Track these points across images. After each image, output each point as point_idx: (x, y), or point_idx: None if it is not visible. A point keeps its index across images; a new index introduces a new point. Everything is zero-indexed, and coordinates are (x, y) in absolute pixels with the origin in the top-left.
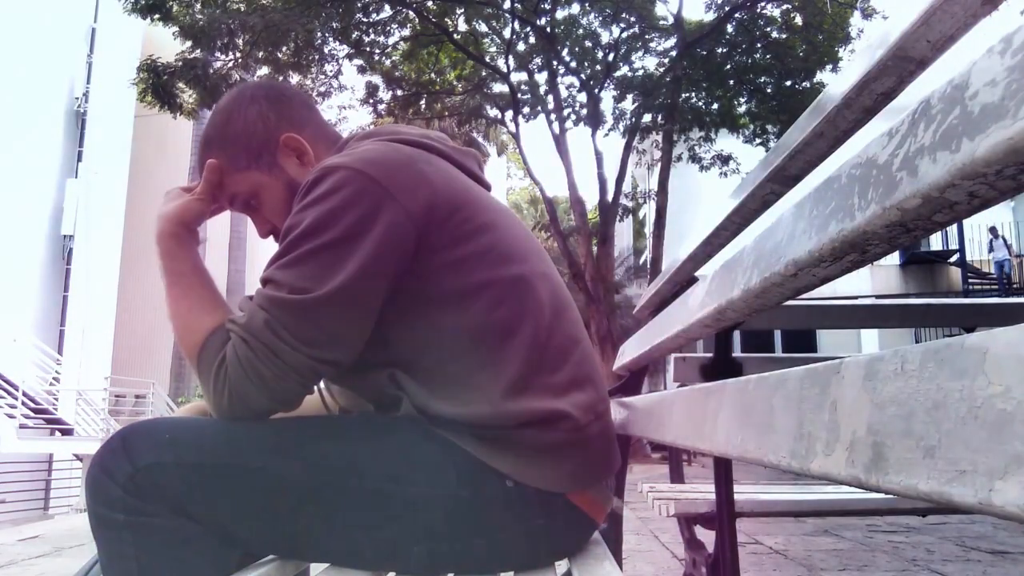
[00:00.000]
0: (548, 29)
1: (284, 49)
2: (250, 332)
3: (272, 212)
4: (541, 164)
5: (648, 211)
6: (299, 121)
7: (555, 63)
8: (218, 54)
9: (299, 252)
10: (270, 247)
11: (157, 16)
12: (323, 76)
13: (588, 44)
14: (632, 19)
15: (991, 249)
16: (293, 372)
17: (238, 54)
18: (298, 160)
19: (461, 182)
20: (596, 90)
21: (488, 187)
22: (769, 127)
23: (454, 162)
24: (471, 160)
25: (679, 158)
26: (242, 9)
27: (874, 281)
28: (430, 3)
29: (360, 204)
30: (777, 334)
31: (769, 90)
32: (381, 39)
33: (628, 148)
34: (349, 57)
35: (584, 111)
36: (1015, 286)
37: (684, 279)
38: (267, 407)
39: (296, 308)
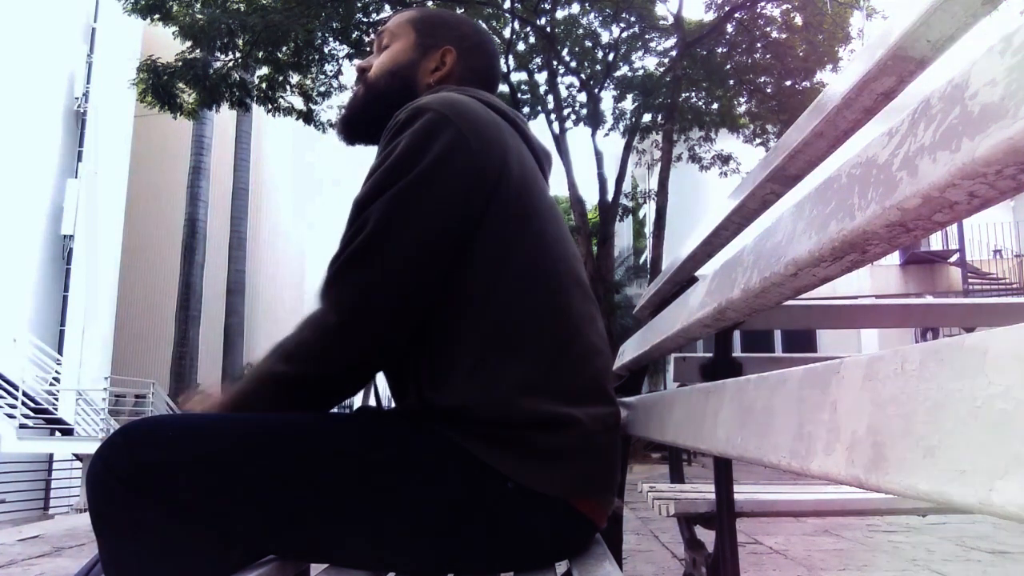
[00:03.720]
0: (548, 29)
1: (284, 49)
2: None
3: (385, 58)
4: None
5: (648, 211)
6: (471, 60)
7: (555, 63)
8: (218, 54)
9: (386, 189)
10: (271, 249)
11: (157, 16)
12: (323, 76)
13: (588, 44)
14: (632, 19)
15: None
16: (338, 303)
17: (238, 54)
18: (433, 67)
19: (532, 164)
20: (596, 90)
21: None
22: (769, 127)
23: (532, 149)
24: (544, 158)
25: (679, 158)
26: (242, 9)
27: (874, 281)
28: (430, 3)
29: (429, 135)
30: (777, 334)
31: (769, 90)
32: None
33: (628, 148)
34: (349, 57)
35: (584, 111)
36: (1014, 286)
37: (684, 279)
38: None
39: (361, 250)
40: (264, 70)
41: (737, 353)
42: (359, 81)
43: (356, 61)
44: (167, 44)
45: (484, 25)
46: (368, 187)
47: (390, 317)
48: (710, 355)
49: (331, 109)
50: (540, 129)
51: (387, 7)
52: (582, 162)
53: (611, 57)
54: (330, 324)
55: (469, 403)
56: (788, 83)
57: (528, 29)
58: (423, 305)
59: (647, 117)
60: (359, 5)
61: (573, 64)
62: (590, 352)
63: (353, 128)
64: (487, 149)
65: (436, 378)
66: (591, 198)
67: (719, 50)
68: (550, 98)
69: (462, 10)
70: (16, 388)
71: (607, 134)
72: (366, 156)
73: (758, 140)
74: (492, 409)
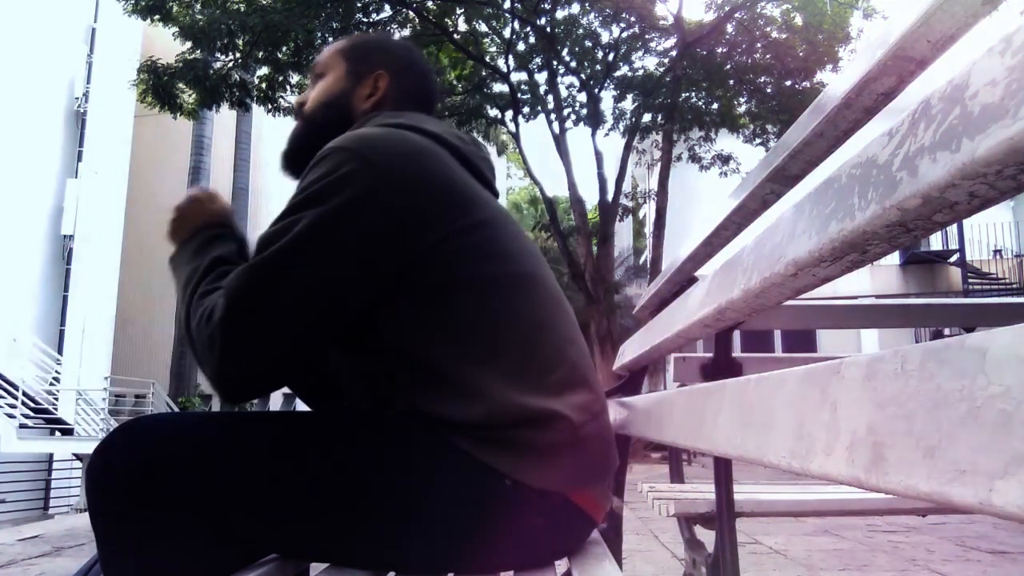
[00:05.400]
0: (548, 29)
1: (284, 49)
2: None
3: (319, 91)
4: (541, 164)
5: (648, 211)
6: (405, 81)
7: (555, 63)
8: (218, 54)
9: (278, 220)
10: None
11: (157, 17)
12: None
13: (588, 44)
14: (632, 19)
15: None
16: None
17: (238, 54)
18: (367, 93)
19: (465, 180)
20: (596, 90)
21: (496, 194)
22: (769, 127)
23: (468, 163)
24: (485, 166)
25: (679, 158)
26: (242, 9)
27: (874, 281)
28: (430, 3)
29: (342, 178)
30: (777, 334)
31: (769, 90)
32: None
33: (628, 148)
34: None
35: (584, 111)
36: (1014, 286)
37: (684, 279)
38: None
39: (246, 272)
40: (264, 70)
41: (737, 353)
42: (297, 116)
43: (294, 98)
44: (167, 45)
45: (485, 26)
46: (272, 224)
47: (269, 362)
48: (710, 355)
49: None
50: (540, 129)
51: (387, 7)
52: (582, 162)
53: (611, 57)
54: (214, 345)
55: (456, 410)
56: (788, 83)
57: (528, 29)
58: (315, 341)
59: (647, 117)
60: (359, 5)
61: (573, 64)
62: (562, 343)
63: (295, 162)
64: (402, 176)
65: (419, 390)
66: (591, 198)
67: (719, 50)
68: (550, 98)
69: (462, 10)
70: (16, 388)
71: (607, 134)
72: None
73: (758, 140)
74: (478, 413)
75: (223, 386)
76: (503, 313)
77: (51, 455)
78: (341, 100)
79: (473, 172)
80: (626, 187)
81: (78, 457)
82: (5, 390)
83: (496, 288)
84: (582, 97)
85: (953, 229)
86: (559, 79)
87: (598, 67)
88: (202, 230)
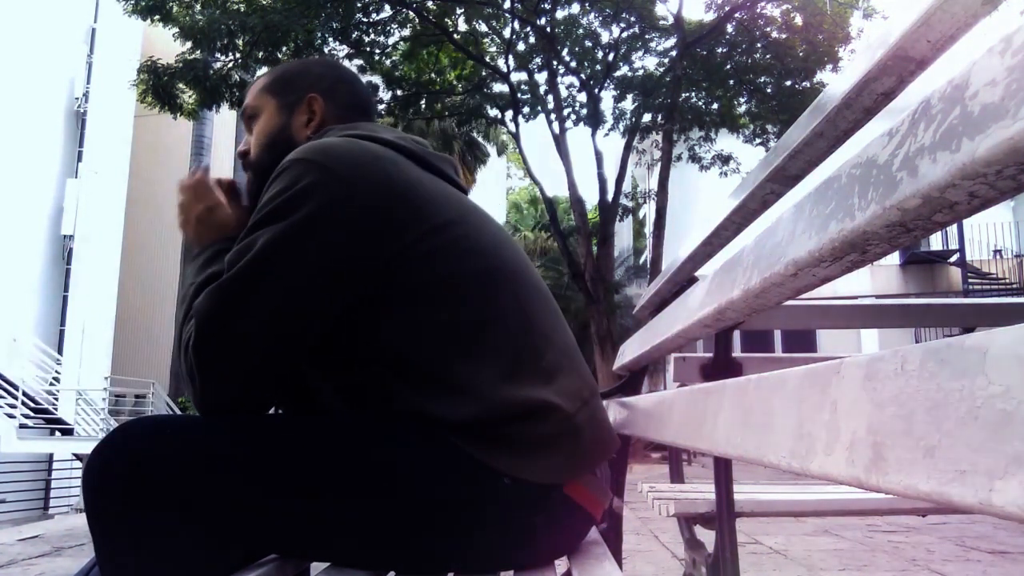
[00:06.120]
0: (548, 29)
1: (284, 49)
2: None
3: (257, 134)
4: (541, 164)
5: (648, 211)
6: (337, 96)
7: (555, 63)
8: (218, 55)
9: (243, 237)
10: None
11: (157, 17)
12: None
13: (588, 44)
14: (632, 19)
15: None
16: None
17: (238, 54)
18: (306, 119)
19: (428, 181)
20: (596, 90)
21: (464, 191)
22: (769, 127)
23: (428, 165)
24: (447, 165)
25: (679, 158)
26: (242, 9)
27: (874, 281)
28: (430, 3)
29: (303, 190)
30: (777, 334)
31: (769, 90)
32: (381, 39)
33: (628, 148)
34: (349, 57)
35: (584, 111)
36: (1014, 286)
37: (684, 279)
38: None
39: (216, 290)
40: (264, 70)
41: (737, 353)
42: (245, 167)
43: (239, 147)
44: (167, 45)
45: (485, 26)
46: (238, 241)
47: (242, 376)
48: (710, 355)
49: None
50: (540, 129)
51: (387, 7)
52: (582, 162)
53: (611, 57)
54: (192, 372)
55: (450, 409)
56: (788, 83)
57: (528, 29)
58: (287, 355)
59: (647, 117)
60: (359, 5)
61: (573, 64)
62: (547, 331)
63: None
64: (363, 183)
65: (412, 391)
66: (591, 198)
67: (719, 50)
68: (550, 98)
69: (462, 10)
70: (16, 388)
71: (607, 134)
72: None
73: (758, 140)
74: (472, 411)
75: (203, 408)
76: (485, 308)
77: (51, 455)
78: (282, 136)
79: (436, 172)
80: (626, 187)
81: (78, 457)
82: (5, 390)
83: (476, 283)
84: (582, 97)
85: (953, 229)
86: (559, 79)
87: (598, 67)
88: (217, 242)
